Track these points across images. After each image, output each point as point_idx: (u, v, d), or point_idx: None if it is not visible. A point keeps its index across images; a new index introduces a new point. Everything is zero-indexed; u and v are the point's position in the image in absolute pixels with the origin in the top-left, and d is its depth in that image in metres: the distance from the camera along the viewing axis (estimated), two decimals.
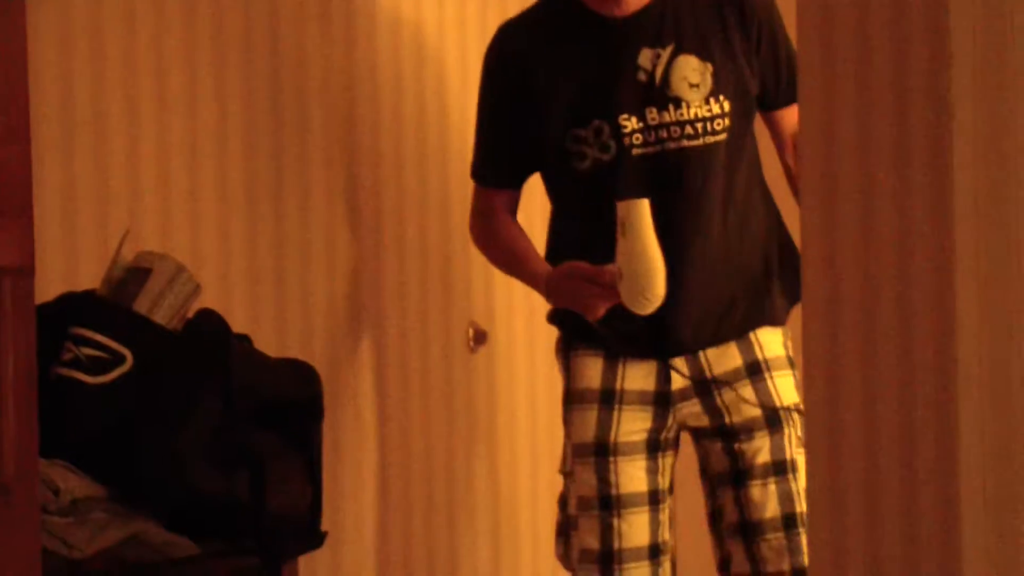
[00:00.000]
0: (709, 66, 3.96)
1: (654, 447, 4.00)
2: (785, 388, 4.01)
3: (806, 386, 2.91)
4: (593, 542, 3.99)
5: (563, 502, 4.13)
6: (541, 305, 4.85)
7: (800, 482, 3.95)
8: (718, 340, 4.00)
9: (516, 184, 4.13)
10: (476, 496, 4.80)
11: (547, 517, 4.89)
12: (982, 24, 2.63)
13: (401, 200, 4.62)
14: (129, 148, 4.09)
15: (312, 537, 3.77)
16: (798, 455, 3.95)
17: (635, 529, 3.99)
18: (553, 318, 4.14)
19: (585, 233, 3.99)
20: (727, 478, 4.03)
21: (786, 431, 3.99)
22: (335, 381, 4.33)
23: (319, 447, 3.77)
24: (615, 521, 3.98)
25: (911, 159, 2.71)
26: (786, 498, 3.97)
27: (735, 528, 4.03)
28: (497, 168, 4.14)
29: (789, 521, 3.97)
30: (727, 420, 4.00)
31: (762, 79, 4.01)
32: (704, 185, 3.95)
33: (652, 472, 4.01)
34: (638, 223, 3.76)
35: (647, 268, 3.77)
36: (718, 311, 3.98)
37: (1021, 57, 2.62)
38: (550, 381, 4.93)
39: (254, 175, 4.30)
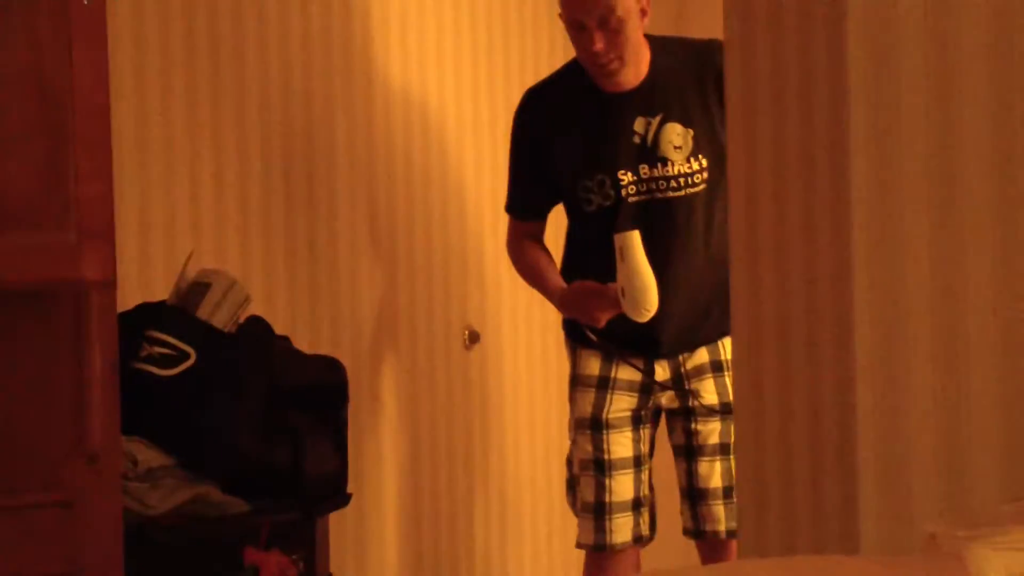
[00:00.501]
0: (690, 131, 4.00)
1: (637, 422, 4.06)
2: None
3: (735, 369, 2.91)
4: (590, 496, 4.05)
5: (570, 463, 4.19)
6: (526, 311, 4.88)
7: None
8: (694, 346, 4.06)
9: (541, 217, 4.17)
10: (473, 466, 4.80)
11: (533, 482, 4.91)
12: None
13: (410, 227, 4.63)
14: (192, 184, 4.09)
15: (340, 498, 3.76)
16: None
17: (622, 486, 4.06)
18: (565, 322, 4.20)
19: (591, 256, 4.03)
20: (682, 451, 4.09)
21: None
22: (358, 372, 4.33)
23: (345, 425, 3.76)
24: (607, 480, 4.04)
25: (815, 169, 2.71)
26: (727, 474, 4.02)
27: (685, 493, 4.10)
28: (525, 205, 4.17)
29: (728, 492, 4.03)
30: (690, 404, 4.06)
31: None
32: (686, 224, 4.01)
33: (636, 441, 4.06)
34: (632, 250, 3.84)
35: (643, 285, 3.84)
36: (696, 324, 4.04)
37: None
38: (532, 375, 4.94)
39: (292, 209, 4.31)
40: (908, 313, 2.62)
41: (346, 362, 3.87)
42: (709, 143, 4.00)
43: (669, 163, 4.00)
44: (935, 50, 2.60)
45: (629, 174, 4.00)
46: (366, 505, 4.43)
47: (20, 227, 2.81)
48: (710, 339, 4.06)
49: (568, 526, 4.30)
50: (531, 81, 4.30)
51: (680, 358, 4.06)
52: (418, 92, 4.67)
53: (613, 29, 3.89)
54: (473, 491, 4.79)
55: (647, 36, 4.01)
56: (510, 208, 4.20)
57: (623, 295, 3.86)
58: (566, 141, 4.03)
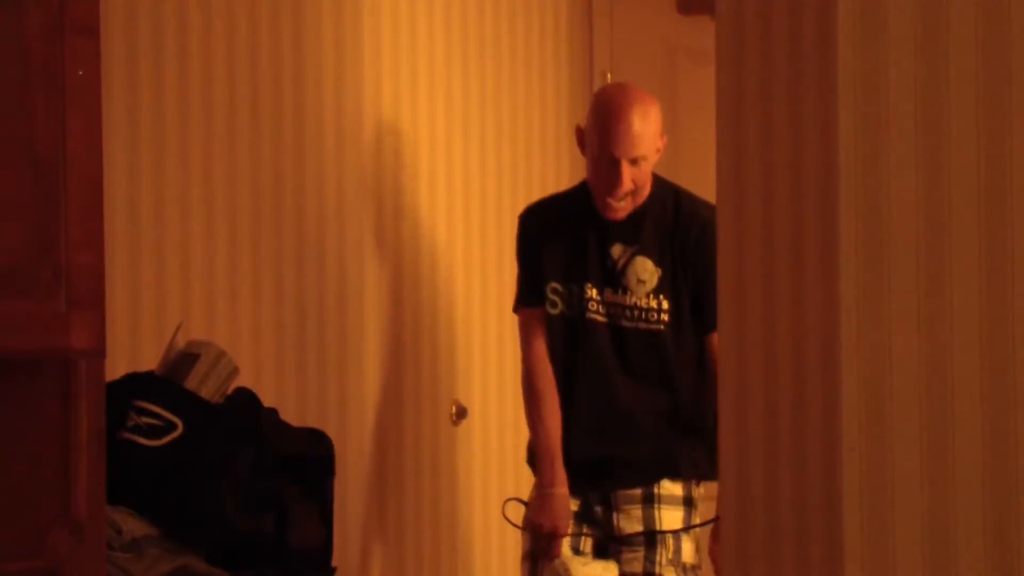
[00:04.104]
0: (659, 271, 4.15)
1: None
2: (669, 519, 4.18)
3: (720, 392, 2.89)
4: None
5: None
6: (512, 389, 4.87)
7: None
8: (626, 484, 4.19)
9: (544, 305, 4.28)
10: (456, 538, 4.78)
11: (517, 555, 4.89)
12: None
13: (399, 307, 4.63)
14: (182, 256, 4.09)
15: (325, 571, 3.74)
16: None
17: None
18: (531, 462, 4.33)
19: (554, 354, 4.25)
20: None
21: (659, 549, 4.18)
22: (344, 445, 4.31)
23: (331, 497, 3.74)
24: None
25: (804, 182, 2.70)
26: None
27: None
28: (531, 291, 4.28)
29: None
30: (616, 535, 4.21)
31: (691, 301, 4.18)
32: (639, 355, 4.17)
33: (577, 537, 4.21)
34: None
35: None
36: (630, 459, 4.18)
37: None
38: (516, 449, 4.93)
39: (281, 282, 4.30)
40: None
41: (333, 435, 3.85)
42: (673, 291, 4.09)
43: (629, 292, 4.16)
44: (925, 64, 2.60)
45: (594, 290, 4.17)
46: None
47: (9, 294, 2.79)
48: (644, 480, 4.14)
49: None
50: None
51: (613, 506, 4.18)
52: (410, 173, 4.67)
53: (637, 166, 4.10)
54: (456, 567, 4.76)
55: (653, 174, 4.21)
56: (524, 300, 4.26)
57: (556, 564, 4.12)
58: (553, 247, 4.23)
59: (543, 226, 4.28)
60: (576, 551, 4.16)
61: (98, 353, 2.92)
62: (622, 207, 4.13)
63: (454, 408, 4.78)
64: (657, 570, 4.12)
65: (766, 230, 2.76)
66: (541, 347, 4.24)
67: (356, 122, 4.48)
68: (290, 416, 3.93)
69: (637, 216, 4.18)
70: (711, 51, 2.92)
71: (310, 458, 3.73)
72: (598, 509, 4.16)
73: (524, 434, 4.88)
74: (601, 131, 4.10)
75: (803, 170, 2.68)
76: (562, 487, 4.13)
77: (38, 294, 2.81)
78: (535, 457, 4.22)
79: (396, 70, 4.61)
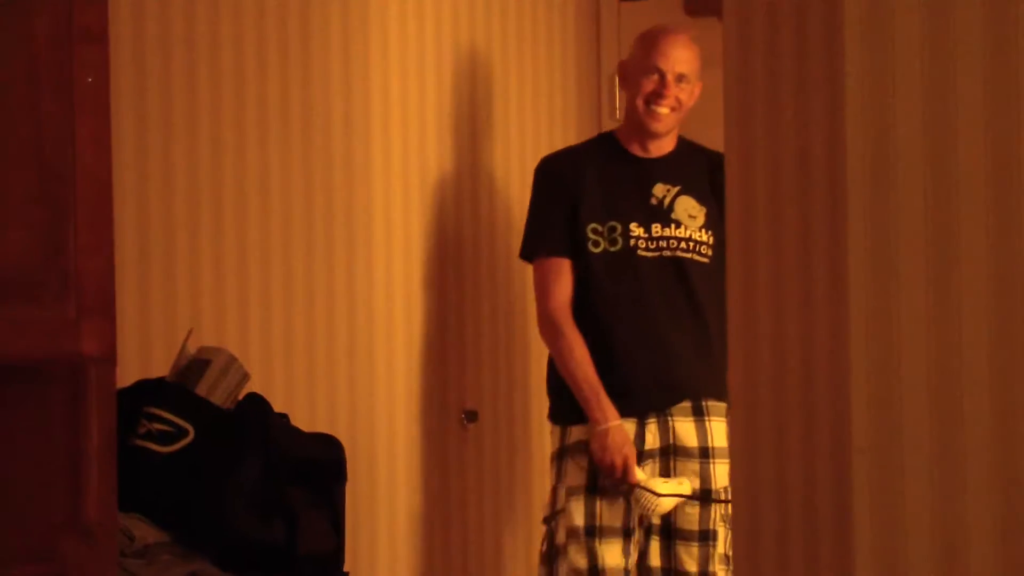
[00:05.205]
0: (704, 208, 4.23)
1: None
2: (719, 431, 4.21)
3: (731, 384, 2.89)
4: (582, 563, 4.13)
5: (551, 533, 4.24)
6: (521, 392, 4.86)
7: None
8: (678, 398, 4.21)
9: (572, 254, 4.26)
10: (468, 541, 4.77)
11: (528, 557, 4.87)
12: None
13: (408, 310, 4.62)
14: (192, 262, 4.08)
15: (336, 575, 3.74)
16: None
17: (612, 554, 4.11)
18: (556, 402, 4.26)
19: (590, 298, 4.21)
20: (659, 531, 4.22)
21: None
22: (355, 450, 4.30)
23: (343, 502, 3.73)
24: (598, 546, 4.10)
25: (812, 179, 2.69)
26: (704, 560, 4.17)
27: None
28: (560, 236, 4.26)
29: None
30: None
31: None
32: (698, 286, 4.21)
33: (627, 512, 4.16)
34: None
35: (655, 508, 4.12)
36: (681, 375, 4.22)
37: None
38: (527, 451, 4.92)
39: (291, 288, 4.29)
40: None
41: (343, 440, 3.84)
42: (717, 225, 4.11)
43: (683, 226, 4.21)
44: (933, 59, 2.59)
45: (641, 229, 4.19)
46: None
47: (19, 300, 2.78)
48: (695, 395, 4.16)
49: None
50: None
51: (669, 420, 4.13)
52: (419, 176, 4.66)
53: (680, 86, 4.22)
54: (468, 570, 4.75)
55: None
56: (547, 247, 4.24)
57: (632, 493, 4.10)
58: (588, 188, 4.24)
59: (571, 170, 4.29)
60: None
61: (108, 359, 2.91)
62: (665, 117, 4.23)
63: (464, 412, 4.77)
64: (711, 567, 4.15)
65: (774, 233, 2.75)
66: (563, 294, 4.23)
67: (364, 126, 4.47)
68: (301, 422, 3.92)
69: (673, 157, 4.30)
70: (718, 53, 2.92)
71: (321, 463, 3.73)
72: (650, 437, 4.14)
73: (536, 435, 4.89)
74: (649, 48, 4.26)
75: (811, 170, 2.68)
76: (616, 419, 4.11)
77: (47, 300, 2.81)
78: (581, 399, 4.16)
79: (404, 72, 4.60)
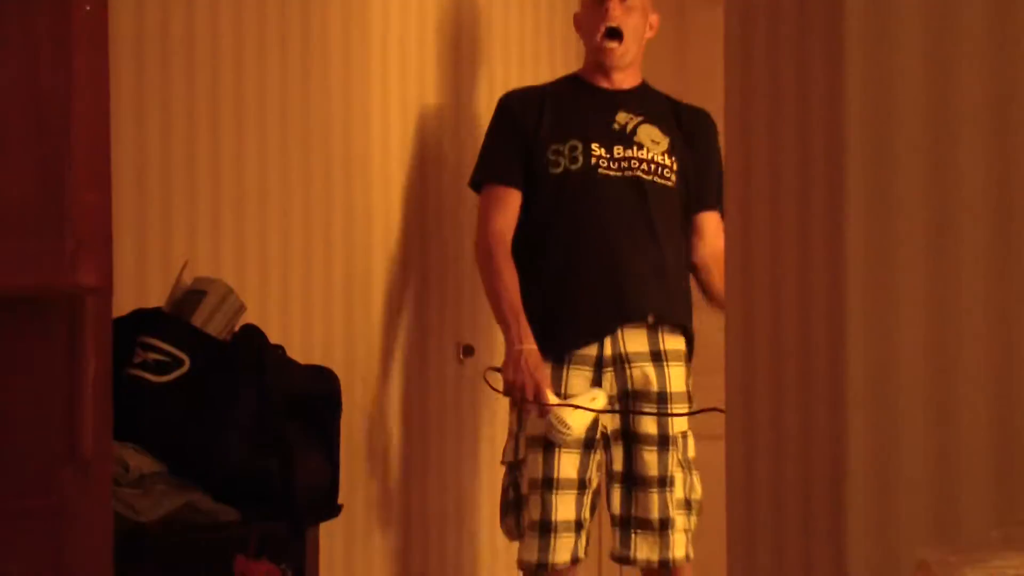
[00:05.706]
0: (667, 138, 4.24)
1: (588, 446, 4.17)
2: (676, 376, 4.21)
3: (727, 383, 2.89)
4: (536, 515, 4.14)
5: (514, 484, 4.23)
6: None
7: None
8: (641, 315, 4.21)
9: (519, 184, 4.25)
10: (462, 475, 4.79)
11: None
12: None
13: (405, 244, 4.62)
14: (189, 193, 4.07)
15: (331, 508, 3.74)
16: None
17: (566, 506, 4.13)
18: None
19: (544, 227, 4.21)
20: (620, 478, 4.22)
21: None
22: (351, 383, 4.30)
23: (337, 435, 3.74)
24: (553, 498, 4.09)
25: (811, 173, 2.69)
26: (664, 506, 4.15)
27: (618, 521, 4.25)
28: (507, 167, 4.25)
29: (663, 524, 4.16)
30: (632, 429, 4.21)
31: (693, 175, 4.28)
32: (656, 207, 4.19)
33: (584, 465, 4.16)
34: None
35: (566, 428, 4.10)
36: (644, 291, 4.21)
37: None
38: None
39: (288, 219, 4.29)
40: (901, 335, 2.58)
41: (339, 372, 3.84)
42: (680, 156, 4.12)
43: (644, 148, 4.22)
44: (933, 58, 2.58)
45: (603, 149, 4.20)
46: (357, 516, 4.39)
47: (16, 233, 2.78)
48: (648, 315, 4.15)
49: None
50: None
51: (621, 337, 4.14)
52: (415, 107, 4.64)
53: (627, 7, 4.22)
54: (463, 503, 4.76)
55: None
56: (494, 173, 4.22)
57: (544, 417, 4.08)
58: (547, 115, 4.25)
59: (528, 104, 4.29)
60: (590, 443, 4.15)
61: (105, 290, 2.91)
62: (615, 47, 4.24)
63: (460, 346, 4.77)
64: (670, 513, 4.14)
65: (774, 233, 2.74)
66: (501, 222, 4.20)
67: (363, 55, 4.46)
68: (296, 354, 3.93)
69: (638, 91, 4.32)
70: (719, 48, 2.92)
71: (316, 395, 3.74)
72: (608, 371, 4.13)
73: None
74: None
75: (811, 169, 2.66)
76: (530, 343, 4.10)
77: (45, 233, 2.80)
78: (500, 321, 4.18)
79: (403, 65, 4.59)
